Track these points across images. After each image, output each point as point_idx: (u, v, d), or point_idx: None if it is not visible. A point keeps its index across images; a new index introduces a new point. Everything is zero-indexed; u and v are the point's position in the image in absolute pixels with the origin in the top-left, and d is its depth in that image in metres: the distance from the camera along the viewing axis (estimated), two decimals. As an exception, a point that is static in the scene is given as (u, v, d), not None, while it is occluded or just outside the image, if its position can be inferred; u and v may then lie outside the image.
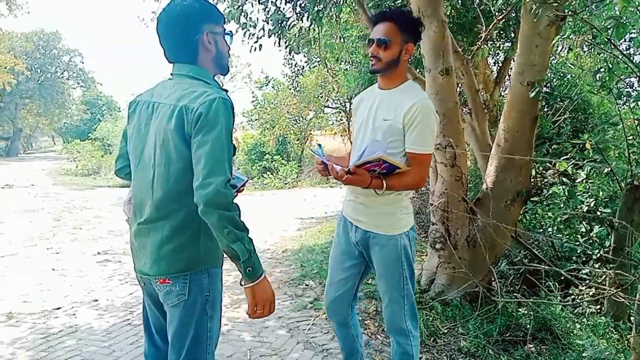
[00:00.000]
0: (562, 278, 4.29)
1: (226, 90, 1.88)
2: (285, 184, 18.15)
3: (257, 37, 6.62)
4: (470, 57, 6.00)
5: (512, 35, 6.90)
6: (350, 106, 18.52)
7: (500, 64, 8.03)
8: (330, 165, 2.26)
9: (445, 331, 3.77)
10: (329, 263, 2.70)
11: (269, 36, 6.63)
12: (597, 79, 3.85)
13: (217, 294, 1.91)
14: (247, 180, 2.33)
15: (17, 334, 3.88)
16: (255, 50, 6.69)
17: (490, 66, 8.27)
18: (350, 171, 2.19)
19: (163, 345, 2.02)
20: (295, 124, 21.73)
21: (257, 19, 6.55)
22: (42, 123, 42.49)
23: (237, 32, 6.40)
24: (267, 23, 6.53)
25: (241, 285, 1.78)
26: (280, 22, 6.51)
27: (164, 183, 1.78)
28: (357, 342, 2.74)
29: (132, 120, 1.96)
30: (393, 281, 2.42)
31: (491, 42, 7.36)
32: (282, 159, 20.09)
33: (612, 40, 3.28)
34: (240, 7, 6.26)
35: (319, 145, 2.38)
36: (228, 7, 6.26)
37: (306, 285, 5.06)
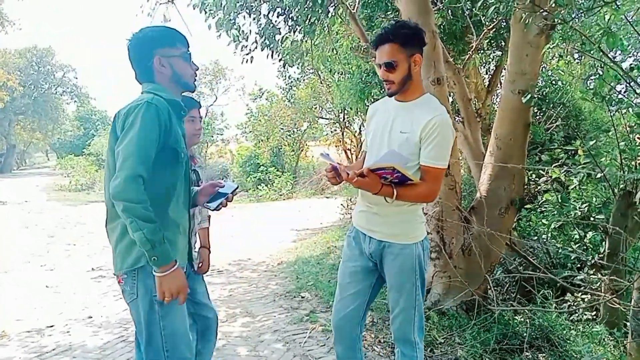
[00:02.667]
0: (558, 285, 4.29)
1: (178, 102, 2.04)
2: (280, 195, 18.14)
3: (250, 49, 6.64)
4: (461, 66, 6.04)
5: (503, 44, 6.95)
6: (344, 117, 18.57)
7: (492, 73, 8.08)
8: (341, 168, 2.21)
9: (442, 341, 3.75)
10: (338, 278, 2.60)
11: (262, 49, 6.65)
12: (589, 86, 3.88)
13: None
14: (237, 187, 2.37)
15: (10, 354, 3.83)
16: (247, 62, 6.71)
17: (481, 75, 8.32)
18: (363, 174, 2.17)
19: None
20: (289, 136, 21.76)
21: (250, 31, 6.58)
22: (36, 139, 42.36)
23: (229, 44, 6.42)
24: (260, 36, 6.56)
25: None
26: (272, 35, 6.53)
27: (108, 185, 1.90)
28: None
29: None
30: (405, 291, 2.38)
31: (482, 51, 7.41)
32: (277, 171, 20.09)
33: (602, 48, 3.31)
34: (232, 20, 6.29)
35: (327, 154, 2.35)
36: (219, 19, 6.27)
37: (302, 297, 5.03)
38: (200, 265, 2.80)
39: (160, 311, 1.91)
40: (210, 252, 2.92)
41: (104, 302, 5.11)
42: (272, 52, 6.78)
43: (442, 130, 2.22)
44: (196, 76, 2.18)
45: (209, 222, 3.03)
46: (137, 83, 2.12)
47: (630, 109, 3.98)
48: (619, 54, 6.81)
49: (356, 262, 2.51)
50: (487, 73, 8.75)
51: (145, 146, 1.83)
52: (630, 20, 4.15)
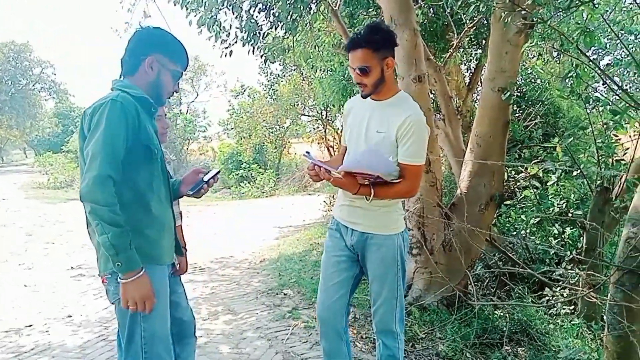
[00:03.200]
0: (537, 280, 4.36)
1: (144, 97, 1.99)
2: (263, 192, 18.10)
3: (230, 44, 6.61)
4: (442, 64, 6.09)
5: (483, 42, 7.02)
6: (326, 114, 18.57)
7: (473, 71, 8.16)
8: (319, 168, 2.27)
9: (423, 336, 3.78)
10: (322, 270, 2.65)
11: (243, 45, 6.63)
12: (566, 84, 3.94)
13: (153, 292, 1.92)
14: (219, 172, 2.36)
15: (-13, 353, 3.78)
16: (226, 55, 6.67)
17: (462, 73, 8.39)
18: (340, 175, 2.24)
19: None
20: (272, 133, 21.71)
21: (231, 26, 6.55)
22: (13, 136, 41.57)
23: (209, 39, 6.38)
24: (241, 31, 6.53)
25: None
26: (253, 31, 6.51)
27: None
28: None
29: None
30: (388, 281, 2.44)
31: (463, 50, 7.48)
32: (259, 168, 20.05)
33: (579, 48, 3.36)
34: (214, 16, 6.25)
35: (307, 152, 2.40)
36: (200, 14, 6.24)
37: (284, 294, 5.03)
38: (178, 265, 2.68)
39: (142, 312, 1.89)
40: (186, 251, 2.82)
41: (84, 300, 5.05)
42: (254, 48, 6.77)
43: (417, 128, 2.28)
44: (171, 96, 2.19)
45: (181, 218, 2.93)
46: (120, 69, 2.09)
47: (606, 107, 4.06)
48: (596, 53, 6.92)
49: (339, 253, 2.55)
50: (467, 71, 8.83)
51: (112, 144, 1.79)
52: (607, 19, 4.23)
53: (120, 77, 2.08)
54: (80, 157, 1.92)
